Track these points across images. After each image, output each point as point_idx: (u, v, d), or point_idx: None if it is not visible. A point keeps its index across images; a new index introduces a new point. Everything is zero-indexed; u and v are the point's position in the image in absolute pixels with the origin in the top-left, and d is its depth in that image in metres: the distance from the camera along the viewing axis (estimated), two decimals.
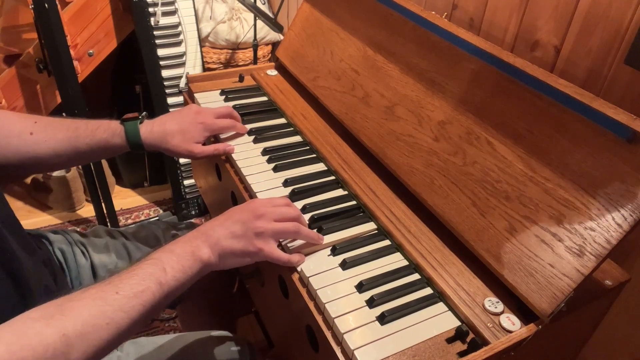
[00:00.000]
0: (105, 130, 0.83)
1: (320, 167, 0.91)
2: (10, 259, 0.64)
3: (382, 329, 0.62)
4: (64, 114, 1.48)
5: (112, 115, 1.98)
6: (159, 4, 1.51)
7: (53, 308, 0.51)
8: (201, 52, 1.68)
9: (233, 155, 0.92)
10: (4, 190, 0.71)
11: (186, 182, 1.83)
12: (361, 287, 0.67)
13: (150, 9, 1.51)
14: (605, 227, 0.59)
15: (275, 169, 0.89)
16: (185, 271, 0.61)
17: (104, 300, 0.53)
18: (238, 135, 0.97)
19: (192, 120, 0.87)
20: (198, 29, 1.65)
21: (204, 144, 0.89)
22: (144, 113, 0.87)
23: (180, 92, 1.68)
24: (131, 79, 1.81)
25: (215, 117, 0.91)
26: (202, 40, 1.69)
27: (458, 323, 0.64)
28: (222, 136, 0.96)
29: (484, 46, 0.77)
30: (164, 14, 1.54)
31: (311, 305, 0.66)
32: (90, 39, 1.55)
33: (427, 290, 0.69)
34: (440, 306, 0.67)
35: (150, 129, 0.85)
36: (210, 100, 1.09)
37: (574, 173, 0.63)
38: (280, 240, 0.72)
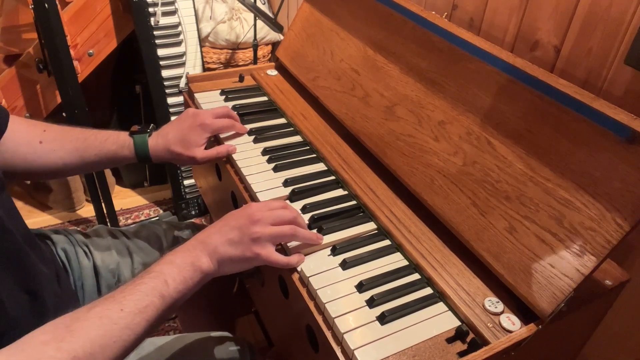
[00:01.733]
0: (114, 142, 0.83)
1: (320, 167, 0.91)
2: (33, 276, 0.65)
3: (382, 329, 0.62)
4: (64, 113, 1.48)
5: (112, 115, 1.98)
6: (159, 4, 1.51)
7: (61, 330, 0.52)
8: (201, 52, 1.68)
9: (233, 155, 0.92)
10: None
11: (186, 182, 1.83)
12: (361, 287, 0.67)
13: (150, 9, 1.51)
14: (605, 227, 0.59)
15: (275, 169, 0.89)
16: (186, 282, 0.62)
17: (110, 319, 0.54)
18: (238, 135, 0.97)
19: (190, 124, 0.87)
20: (198, 29, 1.65)
21: (205, 147, 0.89)
22: (152, 125, 0.88)
23: (180, 92, 1.68)
24: (131, 79, 1.81)
25: (213, 117, 0.91)
26: (202, 40, 1.69)
27: (458, 323, 0.64)
28: (222, 136, 0.96)
29: (484, 46, 0.77)
30: (164, 14, 1.54)
31: (311, 305, 0.66)
32: (90, 39, 1.55)
33: (427, 290, 0.69)
34: (440, 306, 0.67)
35: (156, 142, 0.85)
36: (210, 100, 1.09)
37: (574, 173, 0.63)
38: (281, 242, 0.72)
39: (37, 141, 0.79)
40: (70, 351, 0.50)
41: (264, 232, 0.67)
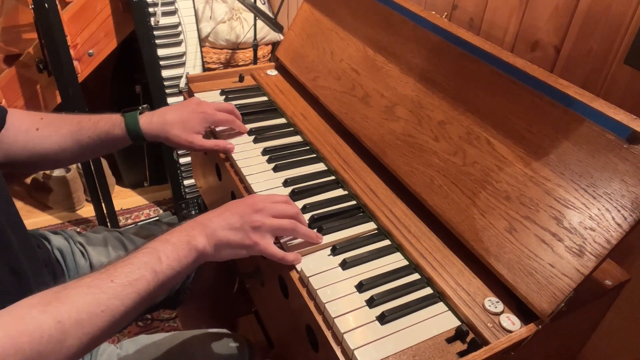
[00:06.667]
0: (107, 122, 0.84)
1: (320, 167, 0.91)
2: (15, 257, 0.65)
3: (382, 329, 0.62)
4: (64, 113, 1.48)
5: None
6: (159, 4, 1.51)
7: (50, 295, 0.52)
8: (201, 52, 1.68)
9: (233, 155, 0.92)
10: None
11: (186, 182, 1.83)
12: (361, 287, 0.67)
13: (150, 9, 1.51)
14: (605, 227, 0.59)
15: (275, 169, 0.89)
16: (181, 260, 0.61)
17: (99, 288, 0.54)
18: (238, 134, 0.97)
19: (192, 110, 0.88)
20: (198, 29, 1.65)
21: (205, 138, 0.90)
22: (145, 105, 0.89)
23: (180, 92, 1.68)
24: (131, 79, 1.81)
25: (216, 110, 0.92)
26: (202, 40, 1.69)
27: (458, 323, 0.64)
28: (219, 129, 0.96)
29: (484, 46, 0.77)
30: (164, 14, 1.54)
31: (311, 305, 0.66)
32: (90, 39, 1.55)
33: (427, 290, 0.69)
34: (440, 306, 0.67)
35: (150, 120, 0.85)
36: (210, 100, 1.09)
37: (574, 173, 0.63)
38: (280, 239, 0.72)
39: (34, 129, 0.80)
40: (55, 315, 0.50)
41: (265, 222, 0.67)
